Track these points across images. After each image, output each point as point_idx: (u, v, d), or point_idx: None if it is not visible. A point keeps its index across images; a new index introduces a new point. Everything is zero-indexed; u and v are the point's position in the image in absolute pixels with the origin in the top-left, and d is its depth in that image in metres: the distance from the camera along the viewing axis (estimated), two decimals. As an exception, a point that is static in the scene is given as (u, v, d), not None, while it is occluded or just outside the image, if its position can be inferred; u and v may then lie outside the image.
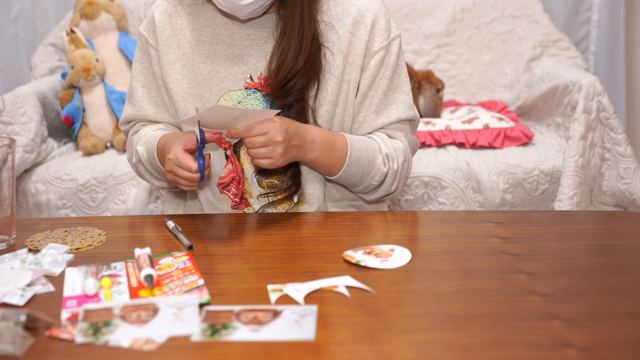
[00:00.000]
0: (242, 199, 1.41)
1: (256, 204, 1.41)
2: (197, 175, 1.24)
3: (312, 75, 1.36)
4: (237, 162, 1.41)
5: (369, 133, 1.42)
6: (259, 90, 1.39)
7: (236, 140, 1.39)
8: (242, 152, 1.40)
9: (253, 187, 1.41)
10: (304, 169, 1.41)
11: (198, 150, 1.24)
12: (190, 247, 1.17)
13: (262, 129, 1.24)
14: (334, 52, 1.37)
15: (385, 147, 1.39)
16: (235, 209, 1.42)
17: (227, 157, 1.41)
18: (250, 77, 1.39)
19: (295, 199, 1.42)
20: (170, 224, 1.26)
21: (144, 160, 1.41)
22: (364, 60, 1.39)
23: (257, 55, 1.39)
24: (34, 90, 2.48)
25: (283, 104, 1.36)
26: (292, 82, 1.35)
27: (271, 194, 1.41)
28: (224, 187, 1.41)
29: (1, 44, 3.02)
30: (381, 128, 1.42)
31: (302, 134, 1.31)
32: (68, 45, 2.61)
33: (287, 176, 1.40)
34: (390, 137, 1.42)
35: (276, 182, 1.41)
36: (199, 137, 1.23)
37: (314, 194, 1.42)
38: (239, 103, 1.39)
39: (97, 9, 2.68)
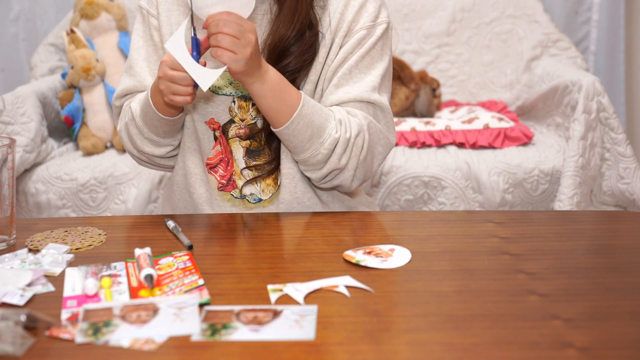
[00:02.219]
0: (229, 181, 1.41)
1: (239, 182, 1.40)
2: (188, 75, 1.21)
3: (307, 59, 1.35)
4: (226, 143, 1.40)
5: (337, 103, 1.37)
6: None
7: (225, 121, 1.39)
8: (231, 133, 1.39)
9: (241, 168, 1.40)
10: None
11: (193, 58, 1.20)
12: (190, 247, 1.17)
13: (239, 20, 1.19)
14: (325, 35, 1.36)
15: (339, 113, 1.32)
16: (221, 190, 1.41)
17: (215, 138, 1.40)
18: None
19: (279, 180, 1.40)
20: (171, 223, 1.26)
21: (136, 115, 1.37)
22: (344, 39, 1.36)
23: None
24: (34, 90, 2.48)
25: None
26: (286, 62, 1.34)
27: (254, 169, 1.40)
28: (211, 167, 1.41)
29: (1, 44, 3.02)
30: (339, 104, 1.35)
31: (263, 62, 1.27)
32: (68, 45, 2.61)
33: (271, 151, 1.39)
34: (348, 113, 1.35)
35: (263, 163, 1.40)
36: (193, 40, 1.21)
37: (289, 173, 1.39)
38: (230, 84, 1.38)
39: (97, 9, 2.68)
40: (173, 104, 1.28)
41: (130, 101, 1.42)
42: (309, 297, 1.00)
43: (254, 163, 1.40)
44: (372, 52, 1.36)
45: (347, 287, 1.03)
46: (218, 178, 1.41)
